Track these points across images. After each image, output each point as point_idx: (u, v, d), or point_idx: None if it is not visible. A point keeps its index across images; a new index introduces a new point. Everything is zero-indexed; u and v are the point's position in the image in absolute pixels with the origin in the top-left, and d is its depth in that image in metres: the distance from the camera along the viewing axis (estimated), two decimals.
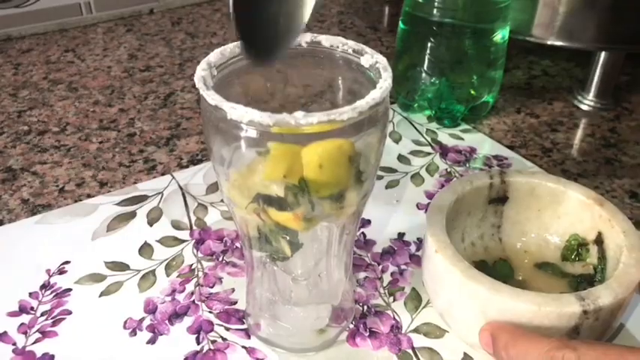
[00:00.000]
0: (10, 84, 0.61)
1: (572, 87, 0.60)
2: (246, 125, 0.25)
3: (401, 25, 0.53)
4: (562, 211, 0.36)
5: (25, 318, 0.35)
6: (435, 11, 0.50)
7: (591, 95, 0.57)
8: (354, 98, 0.31)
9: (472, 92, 0.53)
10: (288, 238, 0.28)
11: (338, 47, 0.29)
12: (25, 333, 0.34)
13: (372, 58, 0.28)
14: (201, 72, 0.26)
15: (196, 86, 0.26)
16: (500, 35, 0.51)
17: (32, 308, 0.36)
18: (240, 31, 0.24)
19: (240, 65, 0.29)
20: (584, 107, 0.57)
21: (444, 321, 0.35)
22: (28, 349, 0.33)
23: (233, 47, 0.29)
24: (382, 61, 0.27)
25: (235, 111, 0.24)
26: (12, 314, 0.35)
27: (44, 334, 0.34)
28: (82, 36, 0.72)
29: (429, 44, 0.51)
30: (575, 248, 0.36)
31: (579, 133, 0.54)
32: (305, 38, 0.30)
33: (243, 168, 0.27)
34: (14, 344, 0.34)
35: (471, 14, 0.49)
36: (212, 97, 0.25)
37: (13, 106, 0.57)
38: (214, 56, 0.28)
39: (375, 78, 0.28)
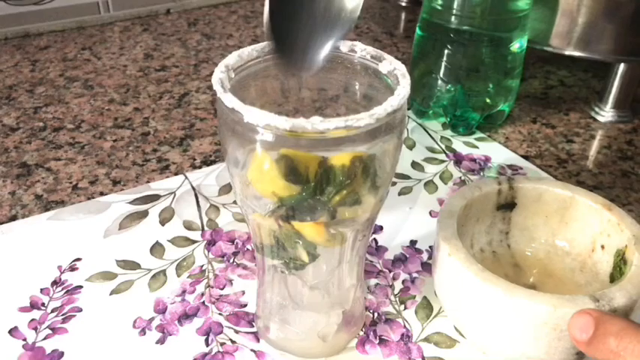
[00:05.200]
0: (27, 80, 0.62)
1: (589, 98, 0.60)
2: (263, 129, 0.25)
3: (418, 31, 0.53)
4: (570, 217, 0.36)
5: (36, 314, 0.35)
6: (452, 18, 0.49)
7: (609, 107, 0.57)
8: (370, 103, 0.31)
9: (487, 101, 0.52)
10: (301, 243, 0.28)
11: (356, 52, 0.29)
12: (35, 329, 0.34)
13: (390, 65, 0.28)
14: (219, 74, 0.26)
15: (213, 88, 0.26)
16: (518, 44, 0.51)
17: (43, 304, 0.36)
18: (274, 32, 0.23)
19: (257, 68, 0.29)
20: (601, 119, 0.57)
21: (456, 328, 0.35)
22: (38, 344, 0.34)
23: (251, 50, 0.28)
24: (401, 68, 0.27)
25: (252, 114, 0.24)
26: (23, 309, 0.36)
27: (54, 330, 0.34)
28: (99, 34, 0.73)
29: (446, 51, 0.51)
30: (619, 263, 0.34)
31: (595, 145, 0.54)
32: None
33: (258, 172, 0.27)
34: (24, 340, 0.34)
35: (489, 22, 0.49)
36: (229, 100, 0.25)
37: (29, 102, 0.58)
38: (232, 59, 0.28)
39: (392, 84, 0.28)
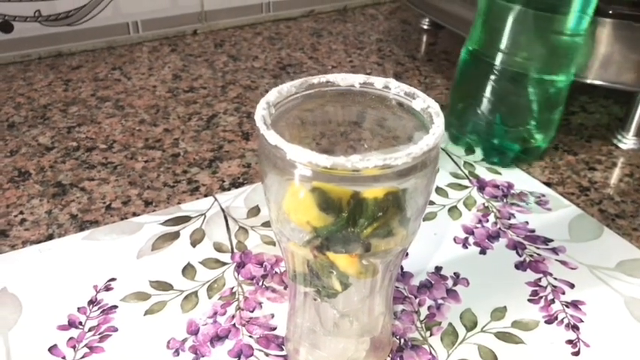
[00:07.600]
0: (60, 99, 0.64)
1: (611, 125, 0.61)
2: (303, 165, 0.26)
3: (463, 55, 0.53)
4: None
5: (74, 332, 0.37)
6: (499, 54, 0.49)
7: (631, 134, 0.57)
8: (394, 133, 0.32)
9: (525, 136, 0.52)
10: (335, 273, 0.29)
11: (391, 89, 0.30)
12: (73, 347, 0.36)
13: (424, 103, 0.29)
14: (261, 111, 0.27)
15: (256, 124, 0.27)
16: (563, 85, 0.51)
17: (80, 323, 0.37)
18: None
19: (293, 103, 0.31)
20: (623, 146, 0.57)
21: (480, 355, 0.35)
22: None
23: (289, 86, 0.30)
24: (434, 106, 0.28)
25: (294, 152, 0.25)
26: (62, 328, 0.37)
27: (92, 349, 0.36)
28: (129, 54, 0.75)
29: (489, 83, 0.51)
30: None
31: (618, 173, 0.54)
32: (358, 79, 0.31)
33: (294, 202, 0.28)
34: (63, 358, 0.35)
35: (536, 63, 0.49)
36: (272, 137, 0.26)
37: (63, 122, 0.60)
38: (272, 95, 0.29)
39: (424, 121, 0.29)
